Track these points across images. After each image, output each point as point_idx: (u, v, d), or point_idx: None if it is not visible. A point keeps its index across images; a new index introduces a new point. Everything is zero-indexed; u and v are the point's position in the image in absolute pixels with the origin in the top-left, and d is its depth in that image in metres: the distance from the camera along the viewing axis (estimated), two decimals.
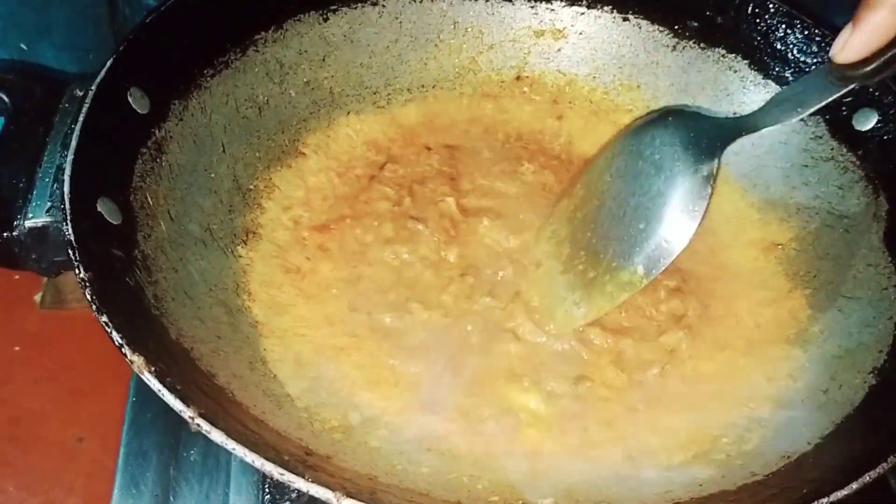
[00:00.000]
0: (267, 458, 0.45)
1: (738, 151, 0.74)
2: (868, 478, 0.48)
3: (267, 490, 0.62)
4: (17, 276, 0.76)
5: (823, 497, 0.47)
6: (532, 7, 0.80)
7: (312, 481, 0.45)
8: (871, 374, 0.59)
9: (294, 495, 0.61)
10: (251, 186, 0.69)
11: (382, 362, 0.62)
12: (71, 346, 0.73)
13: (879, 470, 0.49)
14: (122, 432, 0.66)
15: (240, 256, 0.66)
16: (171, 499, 0.63)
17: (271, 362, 0.60)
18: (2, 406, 0.70)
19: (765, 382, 0.63)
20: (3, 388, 0.71)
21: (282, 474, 0.45)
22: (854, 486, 0.48)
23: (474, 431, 0.59)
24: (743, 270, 0.70)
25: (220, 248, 0.64)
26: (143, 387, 0.67)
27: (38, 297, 0.76)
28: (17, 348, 0.73)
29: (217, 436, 0.46)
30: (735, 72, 0.76)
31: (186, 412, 0.46)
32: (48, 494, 0.65)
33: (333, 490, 0.45)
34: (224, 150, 0.68)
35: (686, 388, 0.63)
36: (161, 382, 0.47)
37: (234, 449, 0.46)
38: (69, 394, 0.71)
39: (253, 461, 0.45)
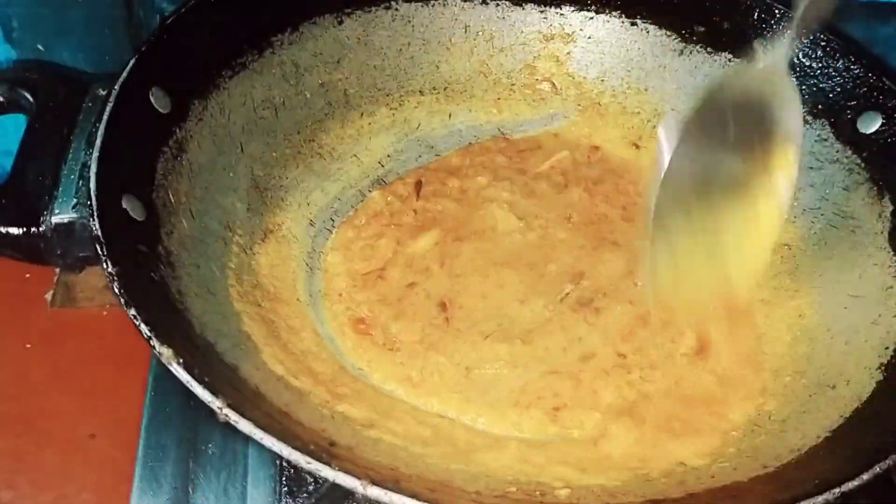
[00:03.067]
0: (294, 448, 0.46)
1: None
2: (878, 469, 0.49)
3: (284, 482, 0.62)
4: (27, 275, 0.76)
5: (835, 487, 0.48)
6: (542, 11, 0.81)
7: (339, 469, 0.45)
8: (878, 370, 0.60)
9: (311, 488, 0.61)
10: (269, 186, 0.70)
11: (402, 358, 0.63)
12: (81, 344, 0.73)
13: (889, 462, 0.49)
14: (134, 428, 0.66)
15: (259, 254, 0.66)
16: (190, 491, 0.63)
17: (292, 356, 0.60)
18: (13, 403, 0.70)
19: (773, 378, 0.64)
20: (14, 386, 0.71)
21: (308, 463, 0.45)
22: (865, 476, 0.49)
23: (493, 425, 0.60)
24: None
25: (240, 246, 0.65)
26: (160, 382, 0.68)
27: (49, 296, 0.76)
28: (28, 346, 0.73)
29: (245, 425, 0.46)
30: None
31: (215, 402, 0.47)
32: (60, 490, 0.65)
33: (360, 478, 0.45)
34: (242, 150, 0.69)
35: (696, 383, 0.64)
36: (189, 374, 0.48)
37: (261, 438, 0.46)
38: (80, 391, 0.70)
39: (280, 450, 0.46)
